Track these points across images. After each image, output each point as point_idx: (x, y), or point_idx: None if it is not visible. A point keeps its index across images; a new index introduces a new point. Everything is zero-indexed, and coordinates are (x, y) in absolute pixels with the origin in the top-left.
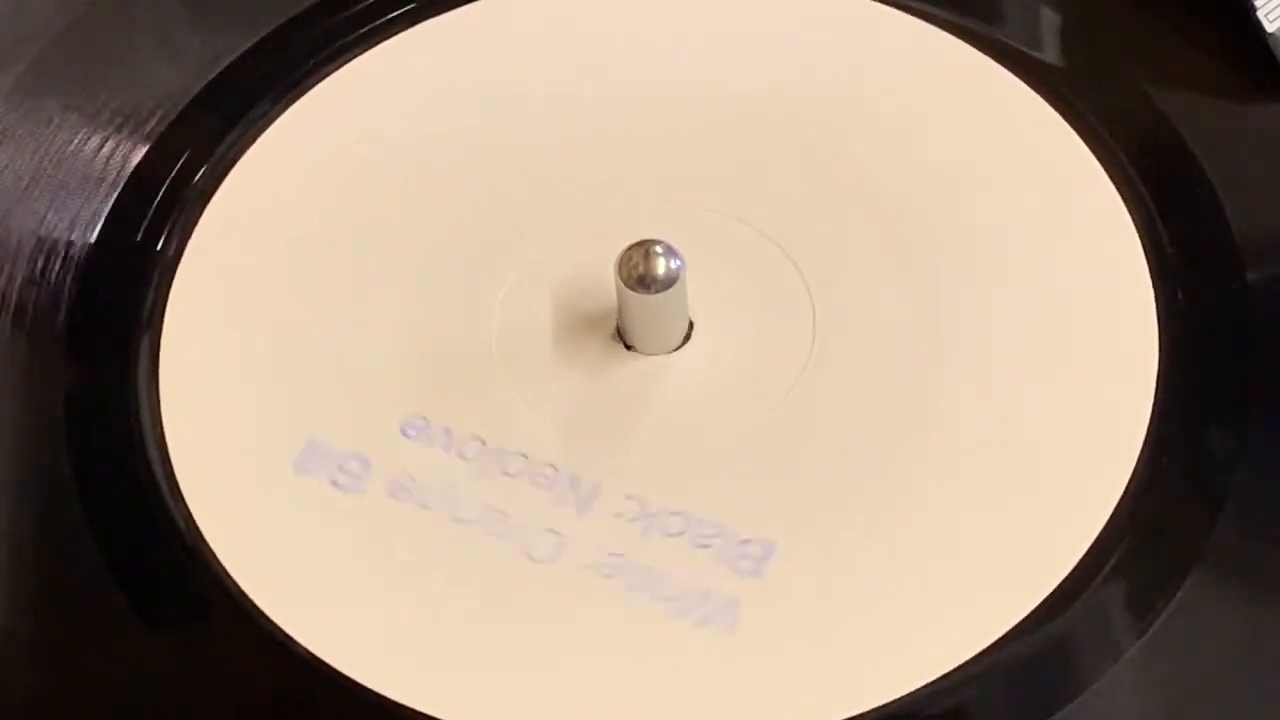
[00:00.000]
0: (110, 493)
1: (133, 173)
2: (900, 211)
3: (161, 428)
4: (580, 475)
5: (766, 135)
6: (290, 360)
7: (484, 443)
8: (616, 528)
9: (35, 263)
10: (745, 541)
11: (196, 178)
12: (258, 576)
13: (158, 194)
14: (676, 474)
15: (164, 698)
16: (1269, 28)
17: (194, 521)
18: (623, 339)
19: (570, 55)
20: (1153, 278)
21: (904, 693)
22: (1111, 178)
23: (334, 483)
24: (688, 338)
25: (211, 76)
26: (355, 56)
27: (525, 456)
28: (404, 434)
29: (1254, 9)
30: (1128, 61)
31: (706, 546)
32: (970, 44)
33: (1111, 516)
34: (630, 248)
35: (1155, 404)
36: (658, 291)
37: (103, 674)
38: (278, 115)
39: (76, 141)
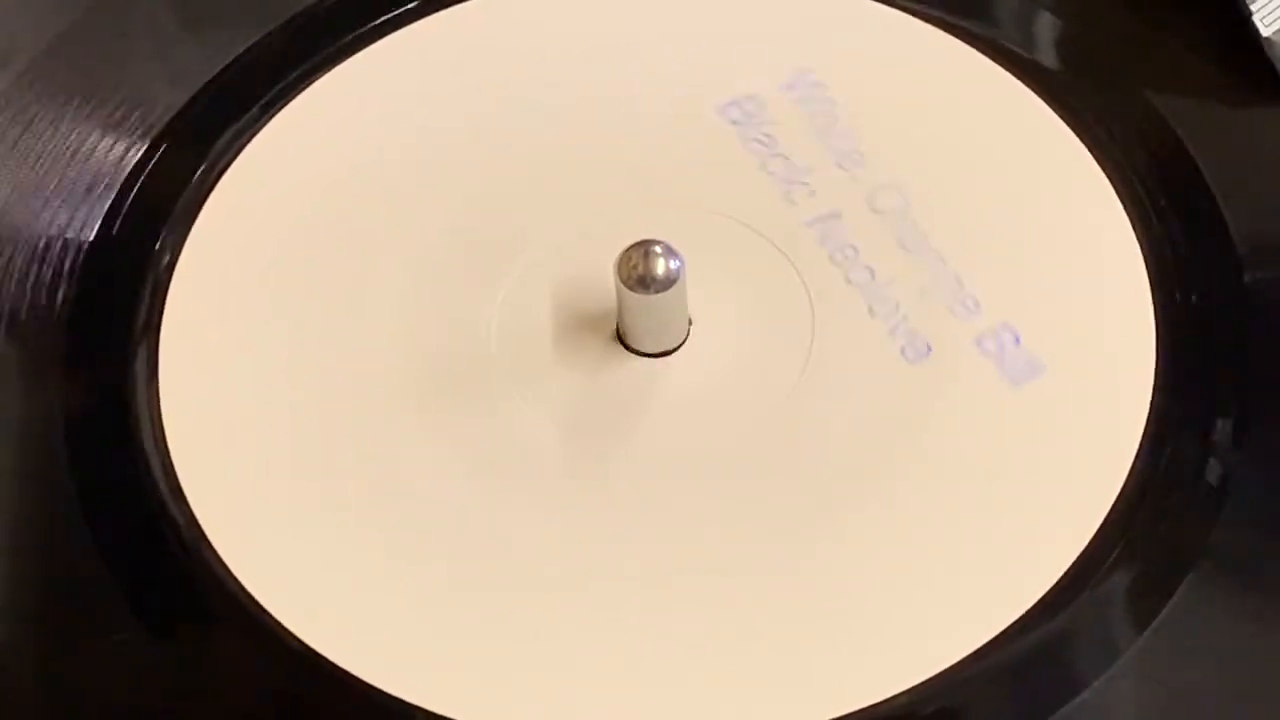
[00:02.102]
0: (111, 494)
1: (129, 174)
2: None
3: (161, 428)
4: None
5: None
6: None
7: None
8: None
9: (32, 264)
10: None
11: (195, 178)
12: (260, 576)
13: (156, 195)
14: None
15: (166, 699)
16: (1265, 31)
17: (195, 522)
18: (623, 339)
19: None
20: (1152, 278)
21: (901, 691)
22: (1110, 179)
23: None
24: (687, 338)
25: (208, 78)
26: (352, 57)
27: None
28: None
29: (1251, 13)
30: (1127, 64)
31: None
32: (971, 46)
33: (1110, 516)
34: (630, 248)
35: (1154, 404)
36: (657, 291)
37: (104, 675)
38: (274, 117)
39: (73, 144)
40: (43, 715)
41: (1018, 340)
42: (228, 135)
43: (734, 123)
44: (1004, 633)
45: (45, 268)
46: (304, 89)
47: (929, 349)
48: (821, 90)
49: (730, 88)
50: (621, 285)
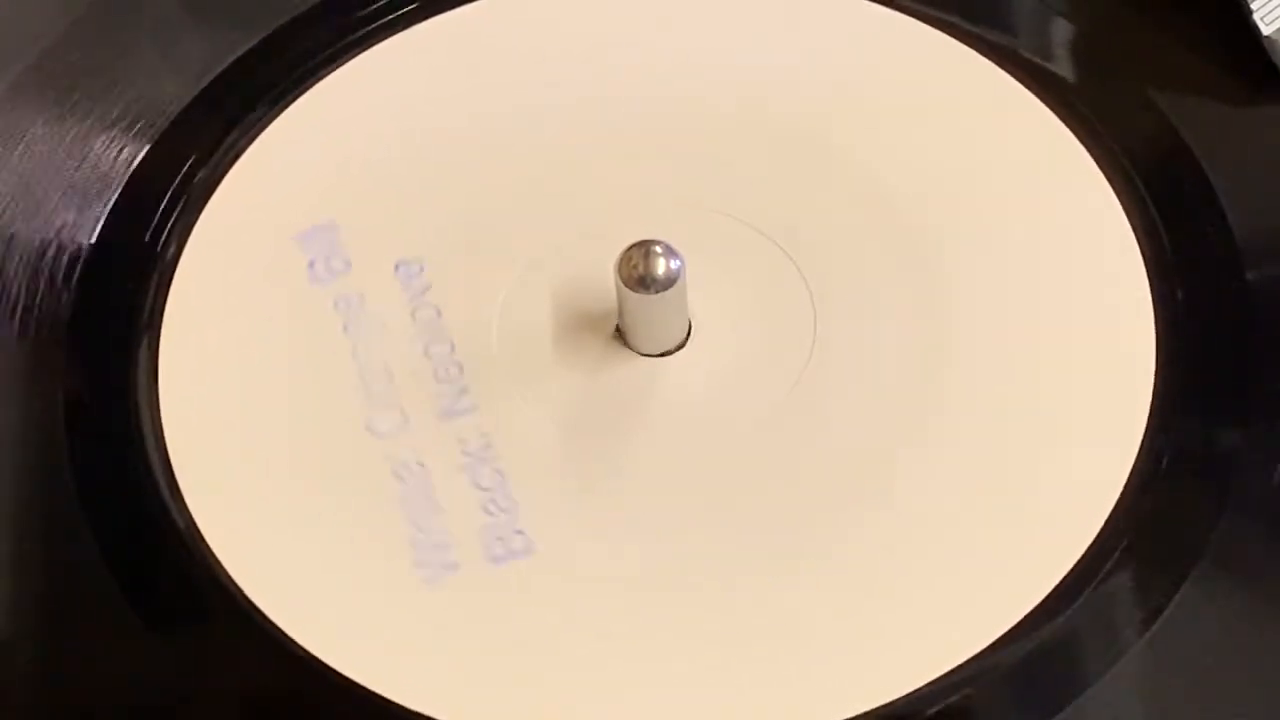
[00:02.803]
0: (110, 493)
1: (132, 173)
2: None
3: (161, 428)
4: (471, 388)
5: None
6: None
7: (439, 313)
8: (446, 447)
9: (35, 263)
10: (519, 531)
11: (196, 178)
12: (257, 577)
13: (157, 195)
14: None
15: (164, 698)
16: (1265, 30)
17: (194, 522)
18: (623, 339)
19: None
20: (1152, 278)
21: (904, 692)
22: (1111, 179)
23: None
24: (688, 338)
25: (211, 77)
26: (354, 57)
27: (453, 345)
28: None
29: (1250, 11)
30: (1128, 64)
31: (490, 514)
32: (972, 47)
33: (1111, 516)
34: (630, 248)
35: (1155, 403)
36: (658, 291)
37: (103, 675)
38: (277, 116)
39: (73, 144)
40: (41, 713)
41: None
42: (228, 136)
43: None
44: (1006, 634)
45: (46, 268)
46: (305, 90)
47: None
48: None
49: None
50: (621, 285)
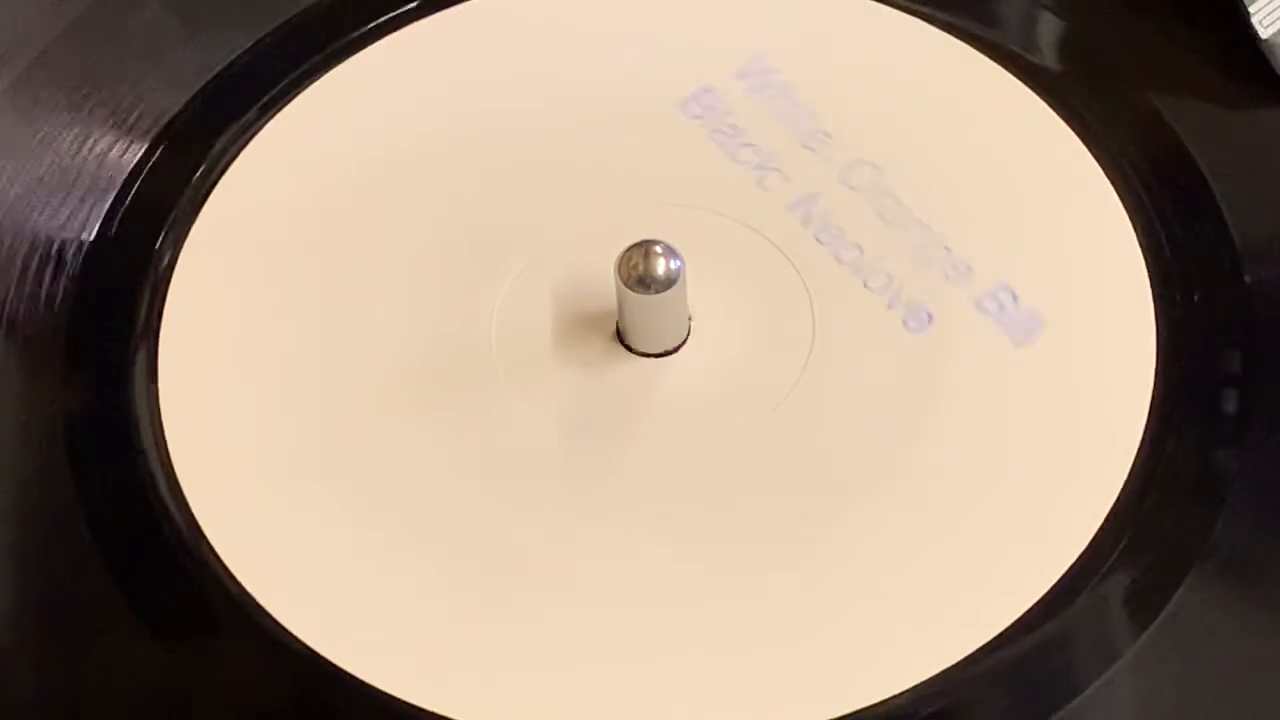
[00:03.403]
0: (111, 497)
1: (128, 176)
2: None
3: (161, 431)
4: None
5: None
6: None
7: None
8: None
9: (31, 267)
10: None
11: (193, 179)
12: (261, 578)
13: (154, 196)
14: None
15: (166, 699)
16: (1263, 33)
17: (196, 524)
18: (623, 339)
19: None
20: (1152, 279)
21: (901, 691)
22: (1111, 180)
23: None
24: (688, 338)
25: (207, 80)
26: (350, 58)
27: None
28: None
29: (1248, 15)
30: (1127, 65)
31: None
32: (972, 47)
33: (1110, 515)
34: (630, 248)
35: (1154, 404)
36: (658, 291)
37: (107, 679)
38: (274, 117)
39: (73, 144)
40: (43, 716)
41: (1016, 298)
42: (227, 136)
43: (695, 117)
44: (1004, 633)
45: (45, 268)
46: (303, 90)
47: (929, 317)
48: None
49: (733, 89)
50: (621, 285)
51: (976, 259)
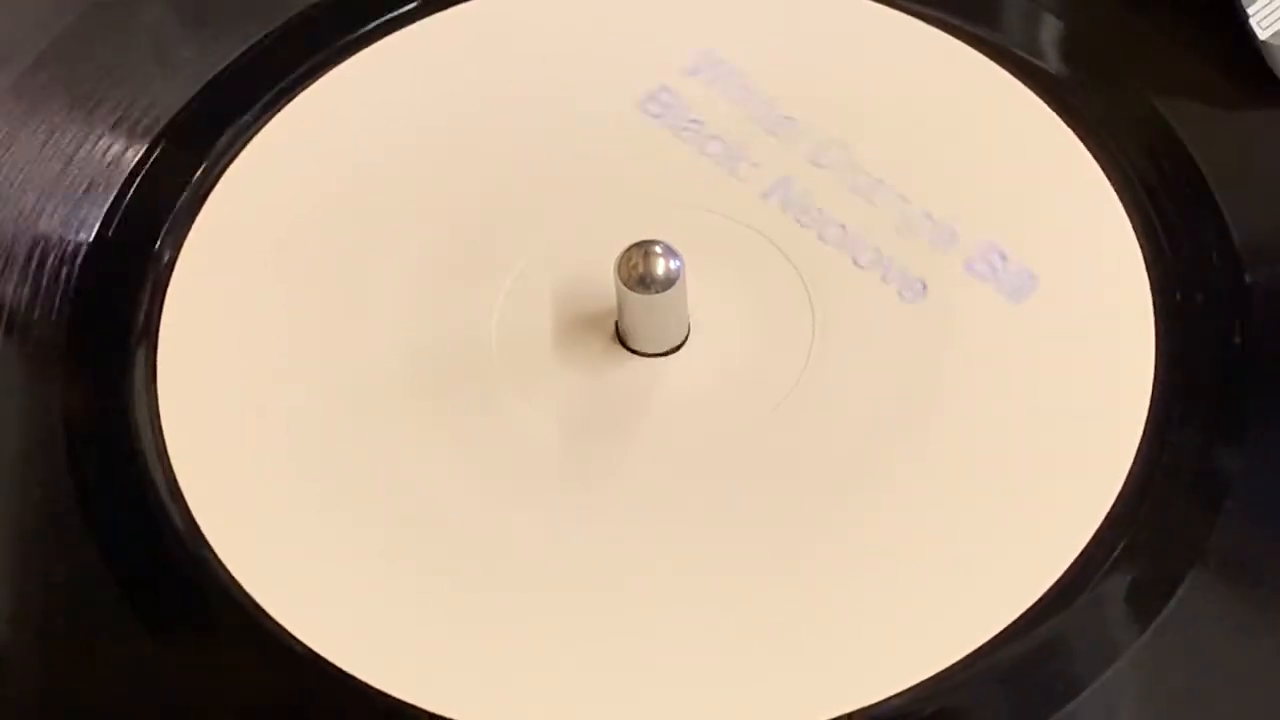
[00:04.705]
0: (111, 497)
1: (128, 176)
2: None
3: (161, 431)
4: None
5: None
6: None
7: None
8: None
9: (31, 266)
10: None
11: (194, 180)
12: (259, 577)
13: (155, 197)
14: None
15: (165, 699)
16: (1261, 35)
17: (196, 525)
18: (623, 339)
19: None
20: (1152, 279)
21: (900, 690)
22: (1111, 180)
23: None
24: (687, 338)
25: (207, 80)
26: (351, 58)
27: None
28: None
29: (1247, 17)
30: (1128, 66)
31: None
32: (973, 48)
33: (1109, 516)
34: (630, 248)
35: (1154, 404)
36: (658, 291)
37: (107, 680)
38: (273, 118)
39: (73, 144)
40: (42, 717)
41: (1004, 257)
42: (227, 135)
43: (655, 116)
44: (1004, 632)
45: (45, 268)
46: (303, 89)
47: (924, 286)
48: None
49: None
50: (621, 285)
51: (975, 256)
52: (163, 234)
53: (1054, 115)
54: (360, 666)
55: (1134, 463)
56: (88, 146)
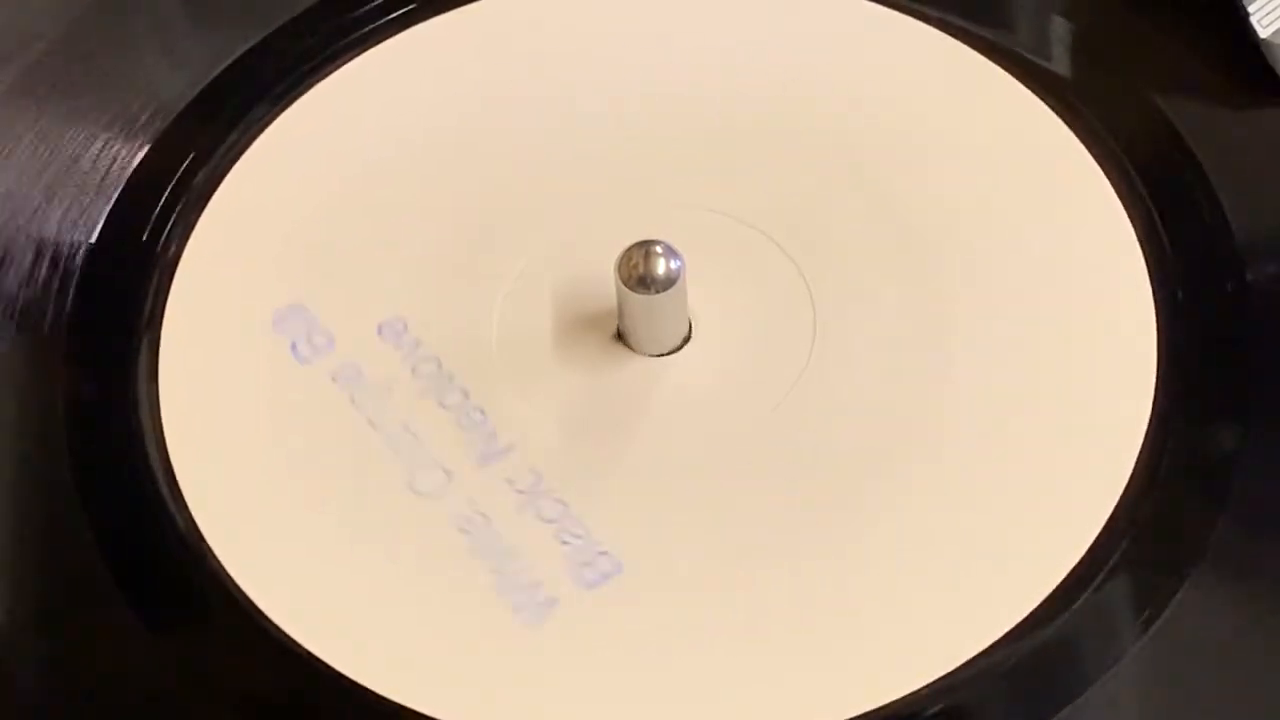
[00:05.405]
0: (111, 494)
1: (132, 174)
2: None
3: (161, 429)
4: (500, 431)
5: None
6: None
7: (440, 365)
8: (500, 491)
9: (35, 264)
10: (602, 553)
11: (196, 178)
12: (258, 577)
13: (157, 195)
14: (589, 467)
15: (164, 697)
16: (1261, 33)
17: (194, 522)
18: (623, 339)
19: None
20: (1153, 278)
21: (904, 693)
22: (1112, 180)
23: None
24: (688, 338)
25: (211, 77)
26: (354, 57)
27: (465, 393)
28: (378, 332)
29: (1247, 15)
30: (1129, 66)
31: (565, 544)
32: (973, 48)
33: (1111, 516)
34: (630, 248)
35: (1155, 404)
36: (658, 291)
37: (104, 676)
38: (276, 116)
39: (76, 143)
40: (41, 713)
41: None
42: (229, 136)
43: None
44: (1006, 634)
45: (46, 268)
46: (305, 90)
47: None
48: None
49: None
50: (622, 285)
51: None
52: (165, 233)
53: (1054, 115)
54: (354, 666)
55: (1135, 463)
56: (90, 145)
